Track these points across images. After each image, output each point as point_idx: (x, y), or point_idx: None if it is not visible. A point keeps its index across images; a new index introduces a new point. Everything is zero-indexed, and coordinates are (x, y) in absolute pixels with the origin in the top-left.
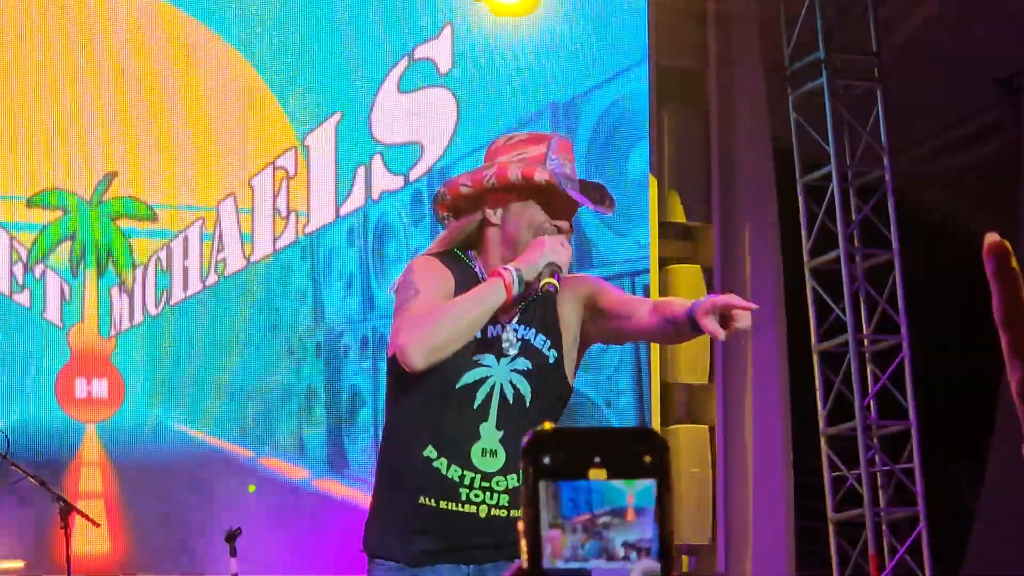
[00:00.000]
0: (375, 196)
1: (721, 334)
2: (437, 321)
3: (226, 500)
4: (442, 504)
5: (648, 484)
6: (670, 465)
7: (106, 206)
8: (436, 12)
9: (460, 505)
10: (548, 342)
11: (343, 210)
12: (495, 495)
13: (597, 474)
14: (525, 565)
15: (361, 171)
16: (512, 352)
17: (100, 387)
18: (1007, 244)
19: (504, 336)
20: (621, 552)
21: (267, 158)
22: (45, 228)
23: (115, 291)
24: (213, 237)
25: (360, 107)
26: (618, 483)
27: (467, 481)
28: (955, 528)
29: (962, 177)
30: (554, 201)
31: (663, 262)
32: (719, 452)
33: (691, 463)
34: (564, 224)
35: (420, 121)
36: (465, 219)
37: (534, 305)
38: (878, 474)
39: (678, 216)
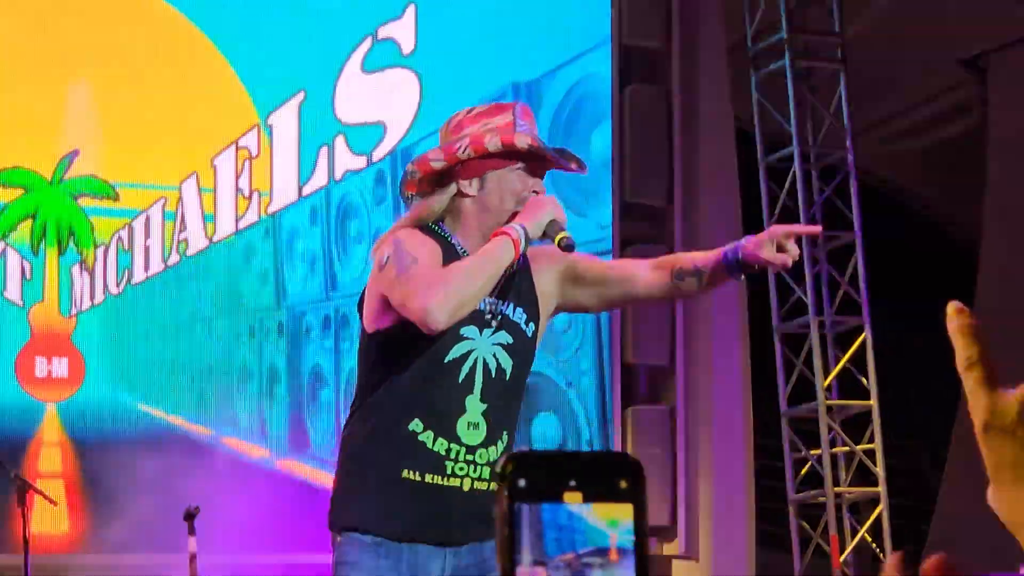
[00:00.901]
0: (338, 176)
1: (791, 255)
2: (456, 281)
3: (186, 480)
4: (427, 478)
5: (629, 525)
6: (645, 489)
7: (68, 184)
8: None
9: (445, 479)
10: (526, 315)
11: (305, 190)
12: (478, 468)
13: (572, 497)
14: None
15: (324, 151)
16: (493, 323)
17: (60, 366)
18: (965, 308)
19: (484, 309)
20: None
21: (230, 137)
22: (6, 206)
23: (76, 270)
24: (175, 216)
25: (323, 87)
26: (600, 523)
27: (452, 454)
28: (916, 509)
29: (928, 158)
30: (529, 166)
31: (624, 243)
32: (680, 433)
33: (651, 444)
34: (541, 188)
35: (383, 101)
36: (435, 196)
37: (511, 280)
38: (839, 455)
39: (640, 197)
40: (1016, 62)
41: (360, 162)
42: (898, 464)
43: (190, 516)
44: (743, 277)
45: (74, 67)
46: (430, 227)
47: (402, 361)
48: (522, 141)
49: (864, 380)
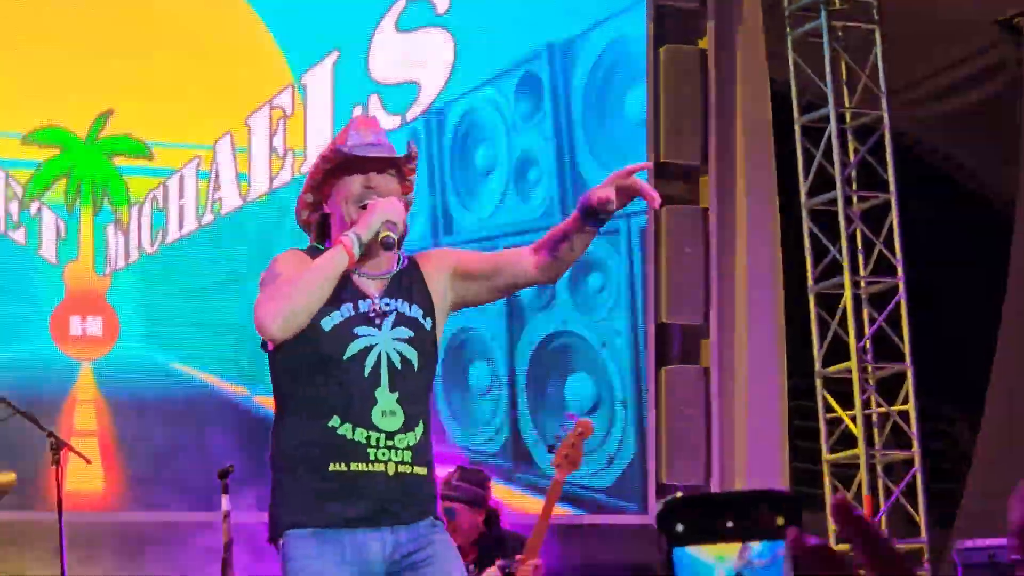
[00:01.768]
0: None
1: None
2: (286, 292)
3: (219, 438)
4: (352, 466)
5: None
6: (801, 524)
7: (102, 144)
8: None
9: (369, 464)
10: (422, 311)
11: None
12: (399, 452)
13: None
14: None
15: (358, 111)
16: (386, 323)
17: (95, 325)
18: (846, 501)
19: (374, 309)
20: None
21: (264, 97)
22: (41, 165)
23: (111, 229)
24: (209, 176)
25: (358, 46)
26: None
27: (373, 441)
28: (951, 470)
29: (963, 118)
30: (365, 171)
31: None
32: (714, 393)
33: (685, 404)
34: (384, 187)
35: (417, 60)
36: (314, 221)
37: (399, 281)
38: (874, 416)
39: (675, 157)
40: None
41: (394, 121)
42: (932, 426)
43: (224, 474)
44: (600, 220)
45: (109, 26)
46: (314, 247)
47: (305, 368)
48: (346, 147)
49: (899, 341)
